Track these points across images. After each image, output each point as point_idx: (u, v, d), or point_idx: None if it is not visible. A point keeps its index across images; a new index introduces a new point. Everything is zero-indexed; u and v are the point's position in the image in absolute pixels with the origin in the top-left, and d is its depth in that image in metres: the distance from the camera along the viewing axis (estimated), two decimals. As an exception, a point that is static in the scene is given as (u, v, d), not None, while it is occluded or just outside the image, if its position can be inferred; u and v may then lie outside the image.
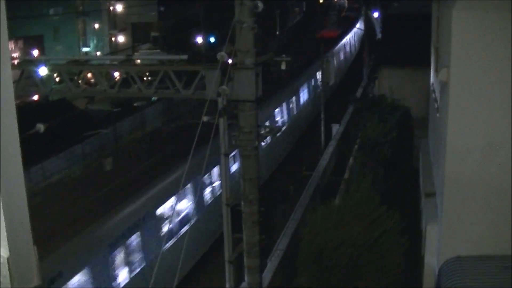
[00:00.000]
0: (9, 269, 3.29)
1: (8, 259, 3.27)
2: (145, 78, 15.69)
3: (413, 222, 15.93)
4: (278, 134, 24.07)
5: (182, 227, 19.27)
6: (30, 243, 3.43)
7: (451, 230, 11.80)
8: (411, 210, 17.35)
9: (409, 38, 29.05)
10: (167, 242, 17.90)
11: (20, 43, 49.39)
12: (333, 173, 27.19)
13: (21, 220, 3.39)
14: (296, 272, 14.80)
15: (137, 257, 16.93)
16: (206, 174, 20.78)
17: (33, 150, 21.06)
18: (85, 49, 57.42)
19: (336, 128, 32.04)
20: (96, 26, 59.34)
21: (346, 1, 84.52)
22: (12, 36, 46.75)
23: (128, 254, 16.57)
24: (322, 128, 31.77)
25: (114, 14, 60.94)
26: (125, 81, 13.42)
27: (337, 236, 13.65)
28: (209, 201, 21.20)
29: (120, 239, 16.27)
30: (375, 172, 18.72)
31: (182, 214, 19.53)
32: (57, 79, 15.01)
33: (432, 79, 17.60)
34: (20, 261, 3.36)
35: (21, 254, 3.36)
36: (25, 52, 47.16)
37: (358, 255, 13.46)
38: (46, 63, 13.53)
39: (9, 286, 3.36)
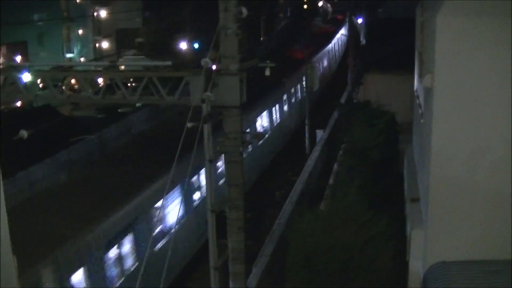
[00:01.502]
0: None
1: (-13, 269, 3.23)
2: (129, 84, 15.63)
3: (399, 227, 15.93)
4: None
5: None
6: (9, 252, 3.38)
7: (436, 235, 11.80)
8: (397, 215, 17.36)
9: (393, 43, 29.21)
10: None
11: (4, 49, 49.05)
12: (319, 178, 27.20)
13: (1, 230, 3.35)
14: (283, 278, 14.76)
15: None
16: None
17: (18, 157, 20.85)
18: (69, 55, 57.09)
19: (320, 134, 32.06)
20: (81, 32, 59.05)
21: (330, 7, 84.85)
22: (-4, 42, 46.49)
23: None
24: (307, 134, 31.83)
25: (99, 20, 60.69)
26: (110, 87, 13.35)
27: (326, 241, 13.64)
28: None
29: None
30: (362, 176, 18.74)
31: None
32: (41, 85, 14.89)
33: (416, 85, 17.64)
34: (0, 270, 3.31)
35: (1, 263, 3.31)
36: (9, 58, 46.79)
37: (347, 259, 13.45)
38: (29, 69, 13.43)
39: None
